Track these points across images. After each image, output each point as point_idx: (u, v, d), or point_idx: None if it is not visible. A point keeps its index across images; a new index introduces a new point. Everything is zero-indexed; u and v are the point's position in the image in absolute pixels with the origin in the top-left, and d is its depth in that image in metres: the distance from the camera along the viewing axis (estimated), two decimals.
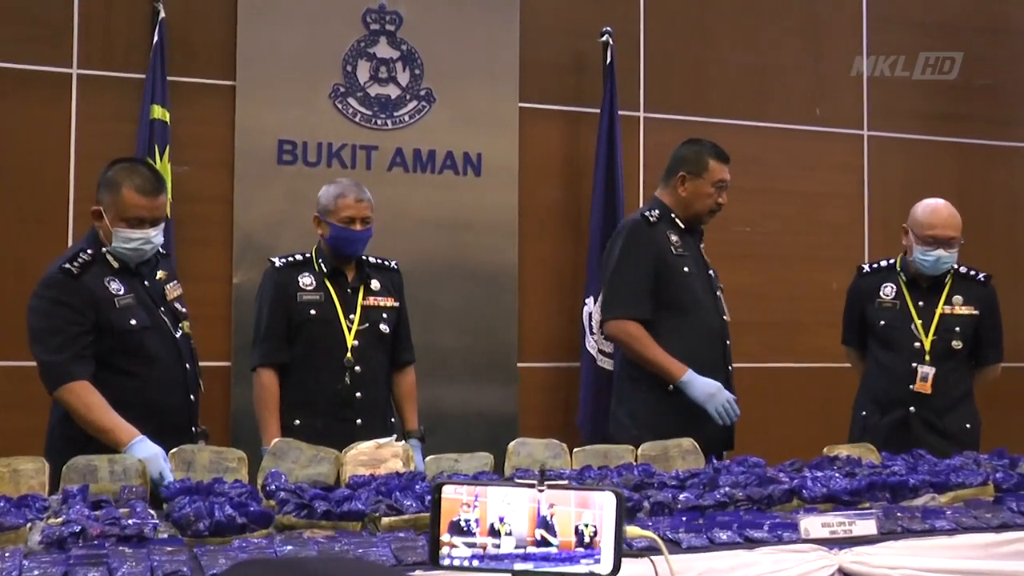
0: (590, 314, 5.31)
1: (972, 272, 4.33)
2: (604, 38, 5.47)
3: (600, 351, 5.30)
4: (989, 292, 4.32)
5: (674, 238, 4.00)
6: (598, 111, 5.45)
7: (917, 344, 4.20)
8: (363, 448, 3.13)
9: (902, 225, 4.34)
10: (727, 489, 2.88)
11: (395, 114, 5.21)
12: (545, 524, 1.77)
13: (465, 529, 1.78)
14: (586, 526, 1.77)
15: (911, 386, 4.16)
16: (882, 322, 4.28)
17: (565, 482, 1.82)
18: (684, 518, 2.65)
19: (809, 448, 3.60)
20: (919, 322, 4.21)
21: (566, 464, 3.30)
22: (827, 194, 6.09)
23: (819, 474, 3.03)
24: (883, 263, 4.41)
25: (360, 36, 5.20)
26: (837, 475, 3.02)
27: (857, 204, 6.12)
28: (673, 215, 4.05)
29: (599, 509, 1.77)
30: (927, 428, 4.16)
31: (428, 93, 5.26)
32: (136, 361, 3.31)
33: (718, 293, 4.10)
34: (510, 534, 1.77)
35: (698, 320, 3.96)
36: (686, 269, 3.97)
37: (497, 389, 5.26)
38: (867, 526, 2.63)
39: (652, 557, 2.10)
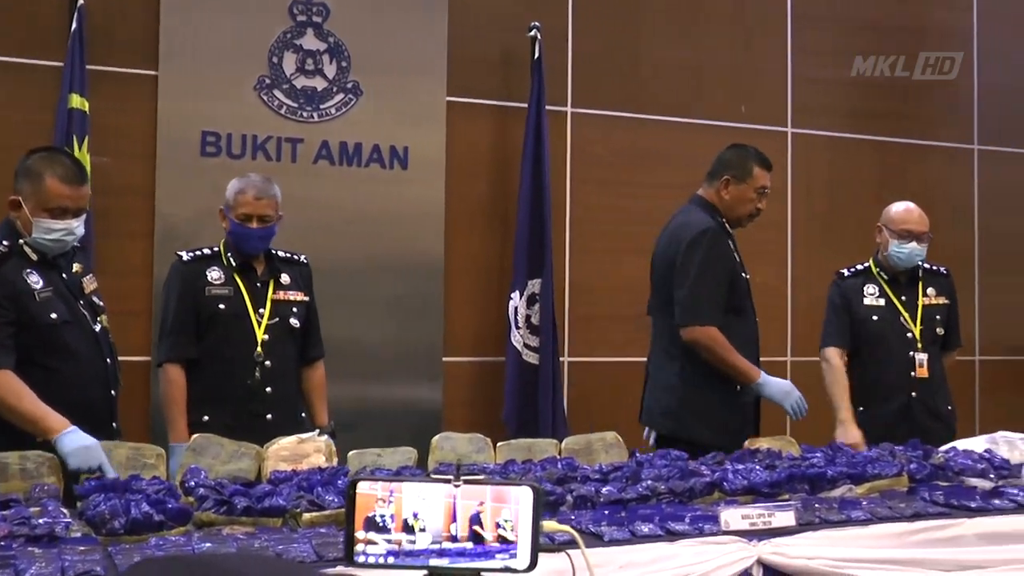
0: (516, 308, 5.31)
1: (935, 267, 4.67)
2: (532, 33, 5.47)
3: (526, 345, 5.30)
4: (951, 284, 4.69)
5: (731, 243, 4.17)
6: (526, 106, 5.45)
7: (910, 334, 4.47)
8: (284, 443, 3.11)
9: (876, 224, 4.58)
10: (649, 482, 2.89)
11: (321, 106, 5.16)
12: (461, 519, 1.76)
13: (380, 526, 1.76)
14: (505, 521, 1.76)
15: (912, 373, 4.44)
16: (875, 318, 4.50)
17: (482, 476, 1.80)
18: (606, 512, 2.66)
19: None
20: (907, 314, 4.50)
21: (489, 458, 3.30)
22: None
23: (740, 467, 3.06)
24: (859, 267, 4.62)
25: (287, 27, 5.14)
26: (758, 468, 3.05)
27: (781, 201, 6.16)
28: (722, 219, 4.17)
29: (516, 504, 1.76)
30: (927, 413, 4.44)
31: (355, 86, 5.21)
32: (56, 356, 3.24)
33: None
34: (424, 530, 1.76)
35: (750, 322, 4.19)
36: (745, 275, 4.18)
37: (422, 384, 5.24)
38: (786, 518, 2.66)
39: (569, 551, 2.10)
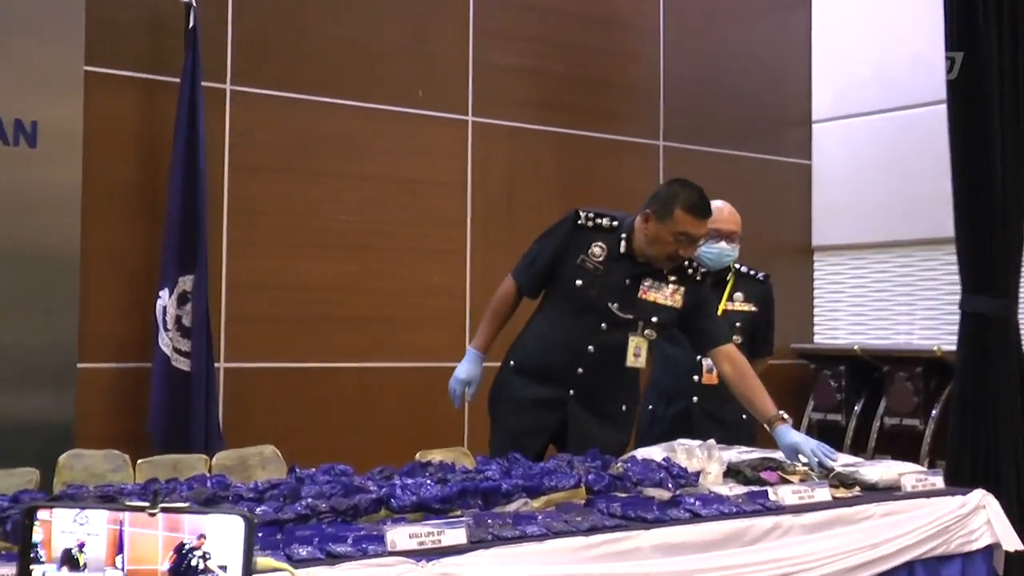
0: (165, 308, 5.12)
1: (752, 271, 4.89)
2: None
3: (176, 350, 5.11)
4: (767, 290, 4.92)
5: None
6: (178, 80, 5.27)
7: None
8: None
9: None
10: (310, 500, 2.85)
11: None
12: (163, 551, 1.66)
13: (69, 559, 1.63)
14: (207, 554, 1.67)
15: (695, 377, 4.69)
16: None
17: (185, 504, 1.70)
18: (261, 534, 2.59)
19: (406, 449, 3.73)
20: None
21: (128, 478, 3.16)
22: (430, 182, 6.22)
23: (409, 481, 3.06)
24: None
25: None
26: (428, 482, 3.05)
27: (460, 193, 6.30)
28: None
29: (222, 535, 1.66)
30: (708, 418, 4.68)
31: None
32: None
33: None
34: (87, 565, 1.64)
35: (566, 327, 4.35)
36: (610, 304, 4.25)
37: (51, 394, 4.93)
38: (457, 535, 2.68)
39: None
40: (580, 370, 4.23)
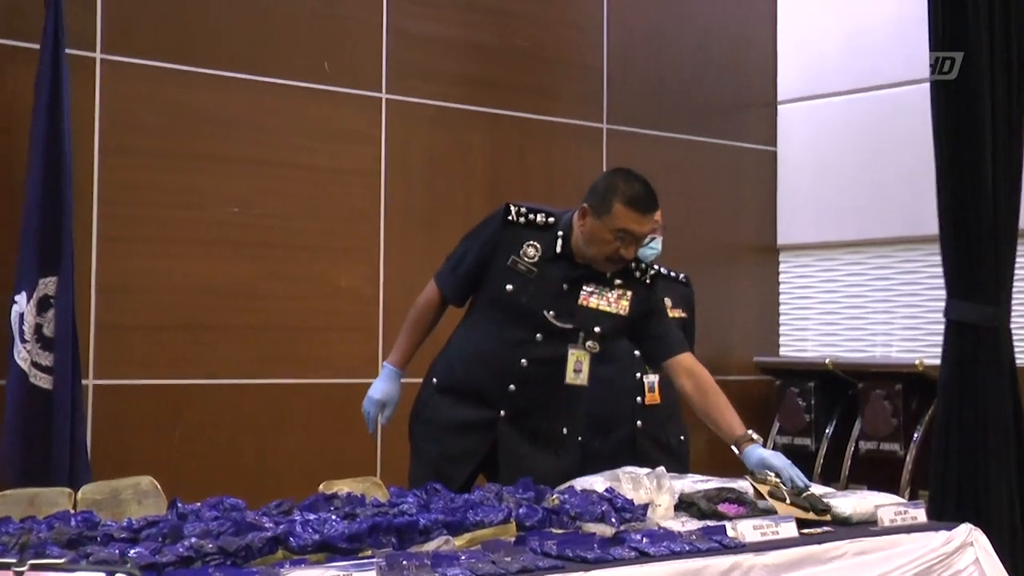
0: (21, 315, 5.03)
1: (672, 273, 4.89)
2: None
3: (35, 364, 5.03)
4: (690, 294, 4.97)
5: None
6: (37, 47, 5.19)
7: (637, 352, 4.59)
8: None
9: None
10: (194, 540, 2.81)
11: None
12: None
13: None
14: None
15: (638, 399, 4.69)
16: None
17: (59, 560, 1.65)
18: None
19: (312, 479, 3.69)
20: None
21: None
22: (337, 169, 6.20)
23: (312, 517, 3.04)
24: None
25: None
26: (334, 518, 3.03)
27: (373, 182, 6.28)
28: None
29: None
30: (654, 445, 4.69)
31: None
32: None
33: None
34: None
35: (496, 338, 4.31)
36: (546, 312, 4.20)
37: None
38: None
39: None
40: (512, 387, 4.21)
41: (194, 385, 5.72)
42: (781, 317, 7.98)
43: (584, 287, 4.20)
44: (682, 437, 4.78)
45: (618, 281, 4.24)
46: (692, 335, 4.97)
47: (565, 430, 4.33)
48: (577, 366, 4.21)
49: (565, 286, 4.18)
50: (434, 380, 4.38)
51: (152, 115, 5.68)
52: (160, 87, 5.70)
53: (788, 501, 3.68)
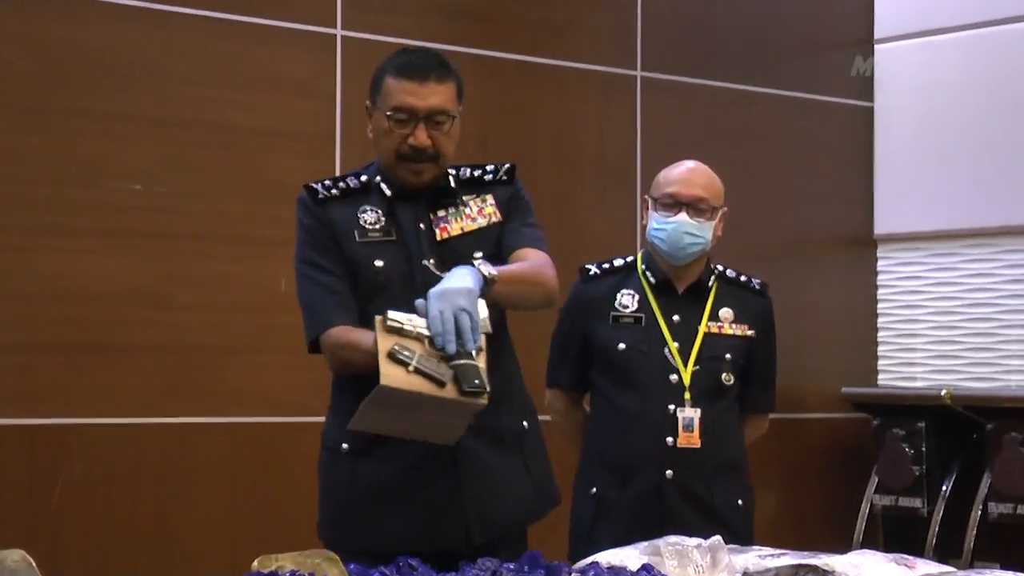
0: None
1: (743, 277, 4.80)
2: None
3: None
4: (765, 306, 4.83)
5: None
6: None
7: (674, 377, 4.58)
8: None
9: (644, 197, 4.76)
10: None
11: None
12: None
13: None
14: None
15: (668, 439, 4.54)
16: (621, 346, 4.60)
17: None
18: None
19: (239, 552, 3.77)
20: (674, 345, 4.59)
21: None
22: (277, 132, 6.21)
23: None
24: (617, 262, 4.76)
25: None
26: None
27: (326, 147, 6.30)
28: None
29: None
30: (689, 503, 4.56)
31: None
32: None
33: None
34: None
35: None
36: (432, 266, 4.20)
37: None
38: None
39: None
40: None
41: (75, 426, 5.71)
42: (880, 333, 7.95)
43: (436, 219, 4.22)
44: (740, 501, 4.67)
45: (471, 195, 4.28)
46: (766, 362, 4.87)
47: (511, 422, 4.23)
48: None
49: (421, 226, 4.21)
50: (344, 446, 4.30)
51: (19, 56, 5.63)
52: (29, 17, 5.68)
53: (412, 368, 3.57)
